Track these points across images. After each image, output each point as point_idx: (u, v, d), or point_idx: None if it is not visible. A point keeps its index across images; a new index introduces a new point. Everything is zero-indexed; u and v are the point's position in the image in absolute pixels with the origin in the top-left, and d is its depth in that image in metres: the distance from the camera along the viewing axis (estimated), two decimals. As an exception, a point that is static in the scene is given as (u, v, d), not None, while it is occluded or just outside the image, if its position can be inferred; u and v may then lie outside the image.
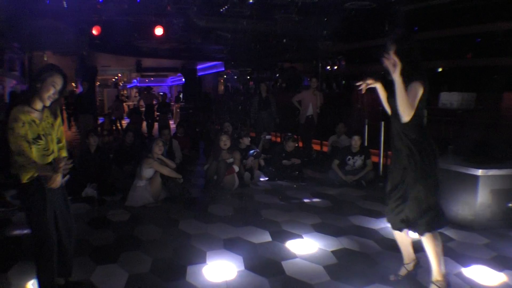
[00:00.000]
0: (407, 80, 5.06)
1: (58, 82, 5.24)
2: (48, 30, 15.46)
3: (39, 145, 5.18)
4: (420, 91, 5.03)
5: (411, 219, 5.43)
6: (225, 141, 11.45)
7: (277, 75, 28.19)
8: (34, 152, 5.09)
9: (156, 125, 24.00)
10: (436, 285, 5.43)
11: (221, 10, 14.11)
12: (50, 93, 5.18)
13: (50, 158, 5.32)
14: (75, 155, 12.28)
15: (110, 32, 15.85)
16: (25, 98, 5.15)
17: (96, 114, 24.17)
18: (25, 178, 5.02)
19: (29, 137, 5.04)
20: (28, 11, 13.70)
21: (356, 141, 11.88)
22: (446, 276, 5.46)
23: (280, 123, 16.55)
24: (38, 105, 5.15)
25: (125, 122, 26.45)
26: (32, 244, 5.28)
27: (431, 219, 5.35)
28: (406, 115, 5.02)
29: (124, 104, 32.79)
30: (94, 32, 15.34)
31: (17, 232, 8.13)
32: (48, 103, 5.23)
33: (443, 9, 13.77)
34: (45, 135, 5.25)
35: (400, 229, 5.72)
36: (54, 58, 23.16)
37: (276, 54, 23.79)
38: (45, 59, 22.06)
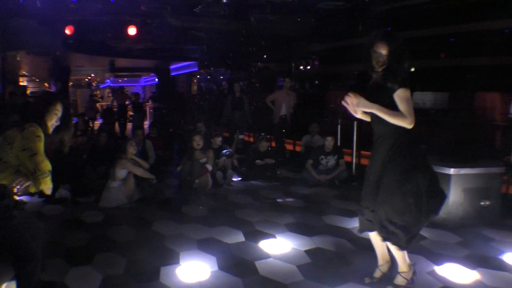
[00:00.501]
0: (392, 84, 5.10)
1: (59, 109, 5.48)
2: (22, 30, 15.41)
3: None
4: (409, 94, 5.17)
5: (383, 222, 5.43)
6: (198, 141, 11.48)
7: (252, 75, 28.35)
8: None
9: (129, 125, 24.01)
10: (401, 276, 5.56)
11: (196, 10, 14.11)
12: (53, 122, 5.44)
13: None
14: (48, 156, 12.23)
15: (84, 32, 15.86)
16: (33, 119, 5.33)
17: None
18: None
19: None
20: (1, 10, 13.65)
21: (329, 141, 11.97)
22: (411, 266, 5.61)
23: (254, 123, 16.64)
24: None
25: (97, 122, 26.44)
26: (17, 258, 5.19)
27: (404, 236, 5.35)
28: (408, 124, 5.09)
29: (97, 104, 32.77)
30: (67, 31, 15.30)
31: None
32: (51, 131, 5.47)
33: (416, 10, 13.88)
34: None
35: (368, 231, 5.81)
36: (28, 58, 23.10)
37: (250, 54, 23.85)
38: (18, 59, 21.99)
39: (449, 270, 6.44)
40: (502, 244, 7.49)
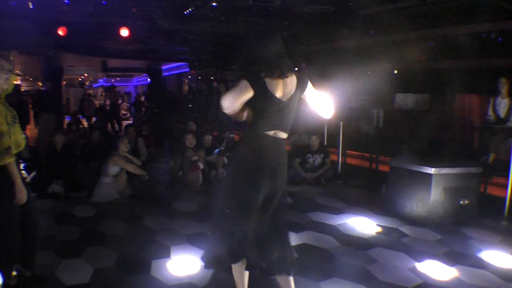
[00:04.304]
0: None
1: (3, 63, 5.36)
2: (14, 30, 15.46)
3: (16, 123, 5.33)
4: (245, 88, 4.54)
5: None
6: (190, 140, 11.67)
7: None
8: (13, 134, 5.21)
9: (123, 123, 24.13)
10: None
11: (185, 12, 14.22)
12: (2, 80, 5.33)
13: (23, 143, 5.47)
14: (41, 152, 12.43)
15: (76, 33, 15.82)
16: None
17: (62, 113, 24.09)
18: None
19: (9, 119, 5.17)
20: (-7, 11, 13.73)
21: (314, 140, 12.08)
22: None
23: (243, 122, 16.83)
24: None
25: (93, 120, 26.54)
26: None
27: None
28: (224, 107, 4.56)
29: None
30: (60, 32, 15.30)
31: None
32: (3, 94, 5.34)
33: (398, 13, 13.99)
34: (15, 116, 5.37)
35: None
36: (20, 58, 23.06)
37: (238, 55, 23.97)
38: (11, 58, 21.97)
39: (429, 267, 6.60)
40: (479, 242, 7.68)
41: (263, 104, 4.62)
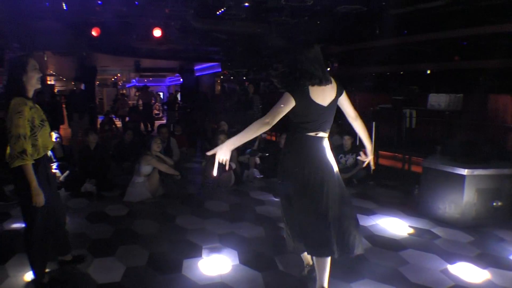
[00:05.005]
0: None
1: (35, 63, 5.43)
2: (48, 31, 15.61)
3: (45, 126, 5.44)
4: (288, 100, 4.91)
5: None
6: (223, 140, 11.59)
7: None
8: (40, 136, 5.32)
9: (155, 123, 24.29)
10: None
11: (218, 13, 14.26)
12: (35, 80, 5.42)
13: (50, 146, 5.62)
14: (74, 152, 12.54)
15: (109, 33, 15.94)
16: (16, 91, 5.27)
17: (95, 113, 24.26)
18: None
19: (36, 122, 5.27)
20: (28, 12, 13.86)
21: (346, 140, 12.06)
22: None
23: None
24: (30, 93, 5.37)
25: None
26: (25, 230, 5.54)
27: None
28: (270, 120, 4.86)
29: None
30: (94, 33, 15.41)
31: (15, 225, 8.35)
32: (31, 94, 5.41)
33: (431, 13, 13.90)
34: (44, 120, 5.47)
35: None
36: (55, 58, 23.26)
37: (270, 55, 23.99)
38: (45, 59, 22.18)
39: (461, 269, 6.54)
40: (512, 245, 7.62)
41: (306, 110, 5.07)
